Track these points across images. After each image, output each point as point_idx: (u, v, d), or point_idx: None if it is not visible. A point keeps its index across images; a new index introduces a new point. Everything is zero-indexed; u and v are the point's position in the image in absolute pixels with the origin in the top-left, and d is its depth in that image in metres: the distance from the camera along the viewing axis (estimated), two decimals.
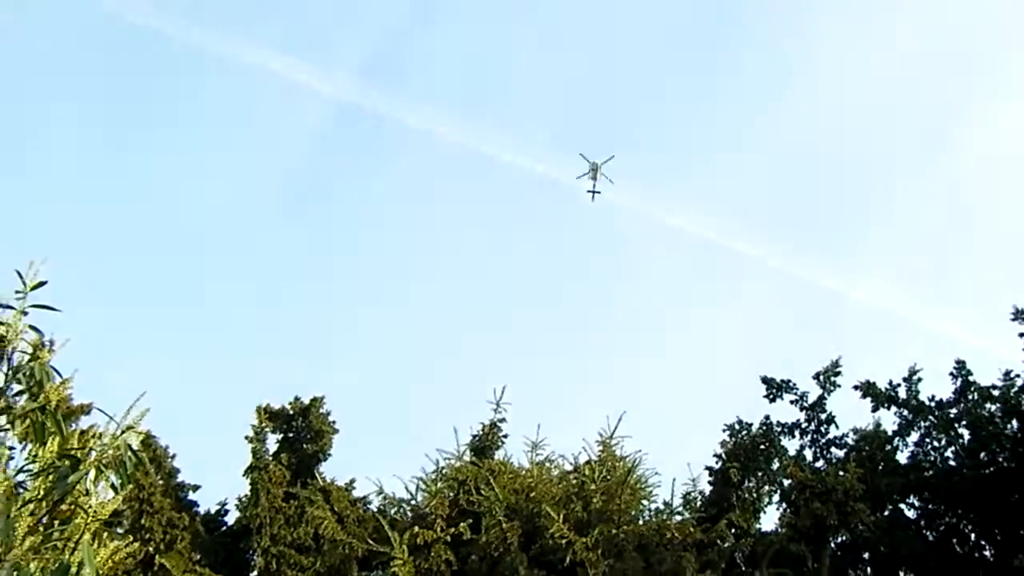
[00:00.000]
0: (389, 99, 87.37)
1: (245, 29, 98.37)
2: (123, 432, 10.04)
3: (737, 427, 40.47)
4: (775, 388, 42.84)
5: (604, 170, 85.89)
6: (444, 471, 33.61)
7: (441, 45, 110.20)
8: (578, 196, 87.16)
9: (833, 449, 42.15)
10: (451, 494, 32.59)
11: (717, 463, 37.92)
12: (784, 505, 37.61)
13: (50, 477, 9.71)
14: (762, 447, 39.06)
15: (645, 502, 33.24)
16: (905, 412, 42.26)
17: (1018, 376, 40.59)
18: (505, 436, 35.61)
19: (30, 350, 10.13)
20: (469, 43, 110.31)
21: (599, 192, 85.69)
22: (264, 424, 37.04)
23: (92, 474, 9.88)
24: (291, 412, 38.42)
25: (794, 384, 42.77)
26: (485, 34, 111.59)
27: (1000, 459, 39.79)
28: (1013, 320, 40.62)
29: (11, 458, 9.85)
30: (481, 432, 35.37)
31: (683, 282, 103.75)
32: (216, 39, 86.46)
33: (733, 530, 34.09)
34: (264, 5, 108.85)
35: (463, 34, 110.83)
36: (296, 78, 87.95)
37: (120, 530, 31.19)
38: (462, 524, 31.18)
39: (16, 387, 10.03)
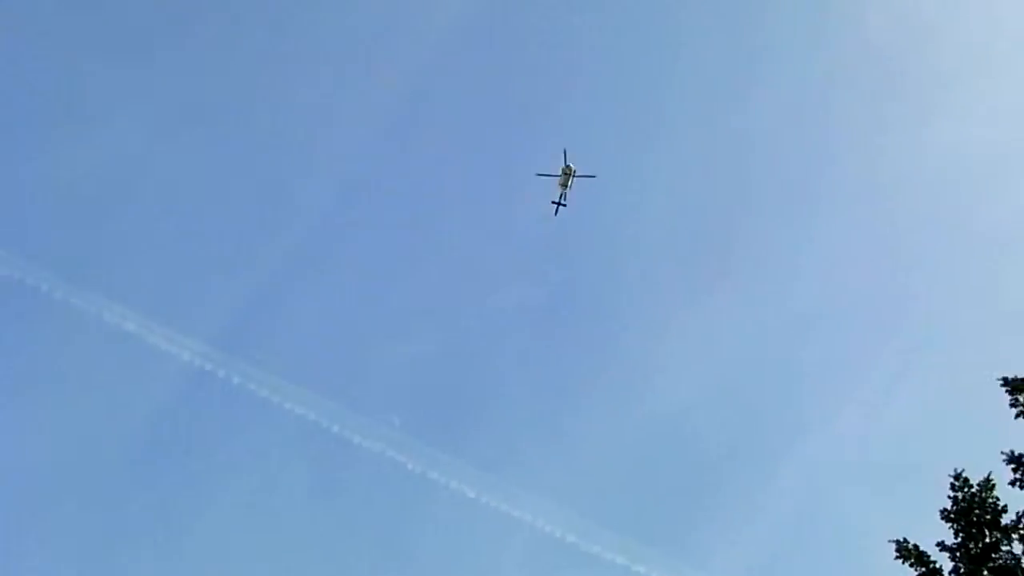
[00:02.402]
0: (243, 369, 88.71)
1: (107, 287, 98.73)
2: None
3: None
4: None
5: (573, 185, 79.10)
6: None
7: (298, 319, 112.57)
8: (427, 485, 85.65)
9: None
10: None
11: None
12: None
13: None
14: None
15: None
16: None
17: None
18: None
19: None
20: (325, 323, 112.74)
21: (565, 205, 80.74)
22: None
23: None
24: None
25: None
26: (339, 318, 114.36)
27: None
28: None
29: None
30: None
31: None
32: (76, 295, 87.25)
33: None
34: (125, 265, 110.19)
35: (320, 313, 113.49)
36: (152, 341, 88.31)
37: None
38: None
39: None
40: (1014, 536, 38.32)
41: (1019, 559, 38.00)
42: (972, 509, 38.98)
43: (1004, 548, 38.38)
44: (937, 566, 38.82)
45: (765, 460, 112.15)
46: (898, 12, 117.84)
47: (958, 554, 38.74)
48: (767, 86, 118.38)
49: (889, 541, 39.46)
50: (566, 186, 78.11)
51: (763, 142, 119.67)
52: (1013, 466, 38.62)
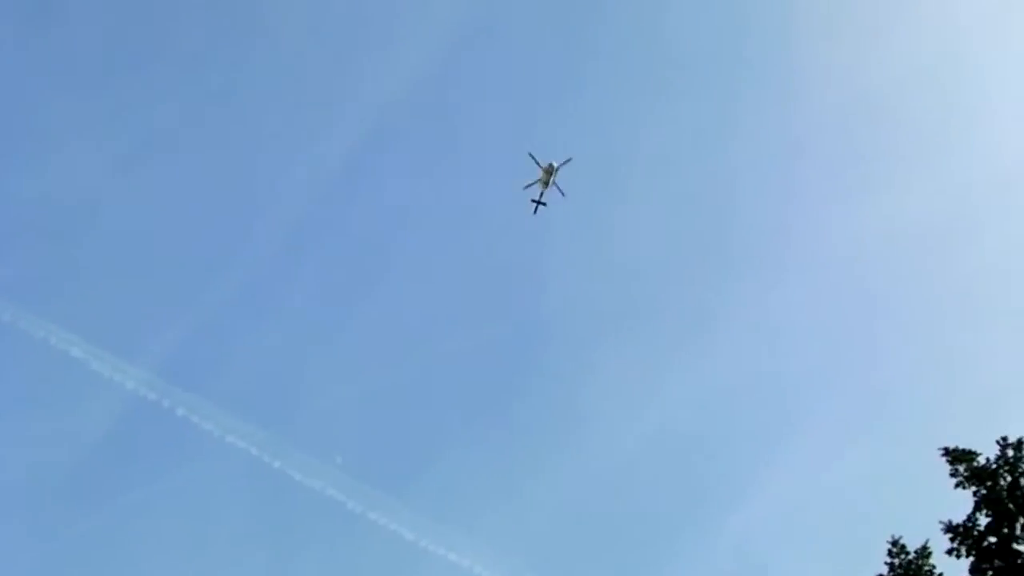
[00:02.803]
0: (188, 400, 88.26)
1: (54, 310, 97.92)
2: None
3: None
4: None
5: (558, 178, 76.65)
6: None
7: (247, 353, 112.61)
8: (367, 526, 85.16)
9: None
10: None
11: None
12: None
13: None
14: None
15: None
16: None
17: None
18: None
19: None
20: (274, 358, 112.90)
21: (545, 204, 78.33)
22: None
23: None
24: None
25: None
26: (288, 353, 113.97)
27: None
28: None
29: None
30: None
31: None
32: (24, 318, 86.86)
33: None
34: (75, 291, 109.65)
35: (270, 348, 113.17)
36: (97, 368, 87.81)
37: None
38: None
39: None
40: None
41: None
42: None
43: None
44: None
45: (705, 520, 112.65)
46: (857, 89, 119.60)
47: None
48: (731, 152, 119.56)
49: None
50: (548, 184, 76.92)
51: (720, 207, 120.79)
52: (950, 535, 39.20)
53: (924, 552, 39.71)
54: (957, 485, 39.77)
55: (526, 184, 77.62)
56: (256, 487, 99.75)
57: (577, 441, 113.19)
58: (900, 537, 40.21)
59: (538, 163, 76.58)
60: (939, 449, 40.23)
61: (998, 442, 39.57)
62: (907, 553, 39.85)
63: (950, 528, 39.22)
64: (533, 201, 78.13)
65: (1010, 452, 39.45)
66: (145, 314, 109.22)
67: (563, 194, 77.92)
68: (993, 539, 38.82)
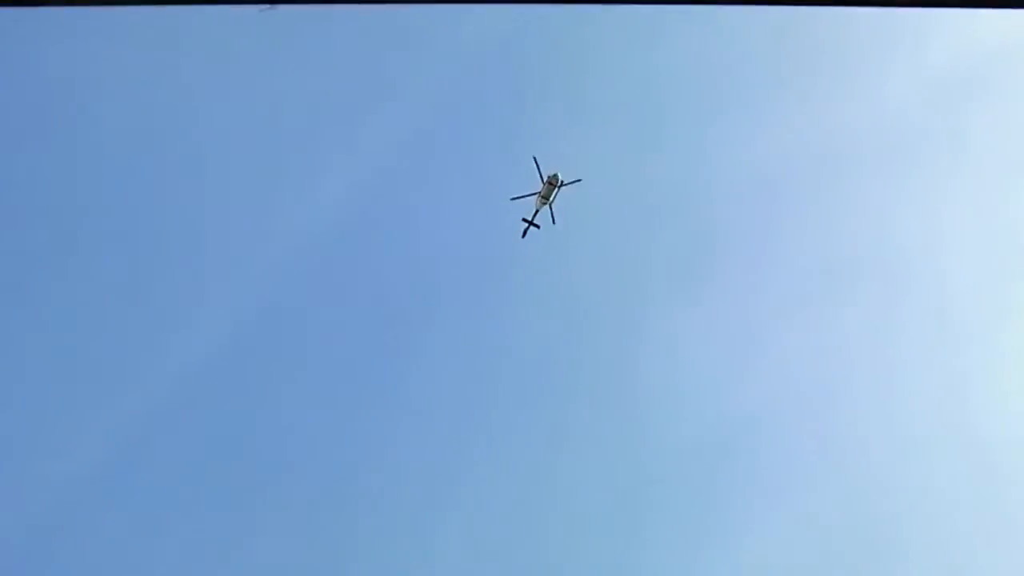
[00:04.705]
0: None
1: None
2: None
3: None
4: None
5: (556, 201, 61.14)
6: None
7: None
8: None
9: None
10: None
11: None
12: None
13: None
14: None
15: None
16: None
17: None
18: None
19: None
20: None
21: (538, 226, 60.27)
22: None
23: None
24: None
25: None
26: None
27: None
28: None
29: None
30: None
31: None
32: None
33: None
34: None
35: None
36: None
37: None
38: None
39: None
40: None
41: None
42: None
43: None
44: None
45: None
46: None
47: None
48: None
49: None
50: (548, 198, 58.90)
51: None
52: None
53: None
54: None
55: (513, 197, 60.24)
56: None
57: None
58: None
59: (540, 172, 59.40)
60: None
61: None
62: None
63: None
64: (524, 221, 60.67)
65: None
66: None
67: (553, 221, 59.99)
68: None
